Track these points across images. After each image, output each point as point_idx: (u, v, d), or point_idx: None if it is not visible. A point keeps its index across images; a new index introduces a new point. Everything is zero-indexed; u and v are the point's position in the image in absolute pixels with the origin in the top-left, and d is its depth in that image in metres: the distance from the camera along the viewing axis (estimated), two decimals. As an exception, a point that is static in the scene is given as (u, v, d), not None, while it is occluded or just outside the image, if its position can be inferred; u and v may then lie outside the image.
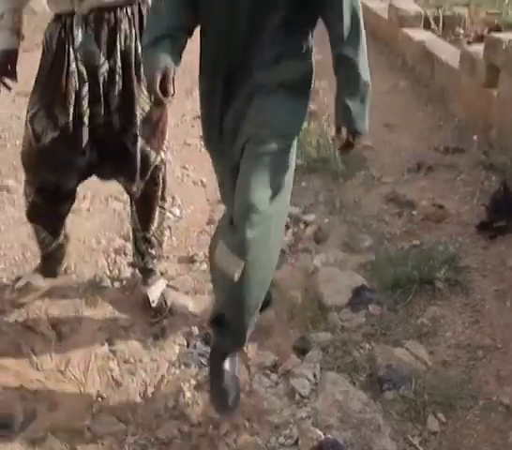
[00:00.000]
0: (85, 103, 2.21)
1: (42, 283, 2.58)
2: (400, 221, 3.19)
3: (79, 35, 2.19)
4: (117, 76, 2.23)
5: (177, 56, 1.80)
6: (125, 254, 2.94)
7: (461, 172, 3.64)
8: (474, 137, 3.97)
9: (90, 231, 3.14)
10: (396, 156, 4.00)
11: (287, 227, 3.26)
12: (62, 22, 2.19)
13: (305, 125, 4.25)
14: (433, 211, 3.18)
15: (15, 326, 2.39)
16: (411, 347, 2.29)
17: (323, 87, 4.57)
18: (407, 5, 6.27)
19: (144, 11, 2.27)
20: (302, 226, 3.28)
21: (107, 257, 2.95)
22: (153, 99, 1.81)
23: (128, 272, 2.78)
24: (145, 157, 2.35)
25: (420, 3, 6.58)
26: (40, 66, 2.25)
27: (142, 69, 2.13)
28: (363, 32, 1.82)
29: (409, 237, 3.03)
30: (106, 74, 2.22)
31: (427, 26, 6.03)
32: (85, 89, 2.20)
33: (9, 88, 2.34)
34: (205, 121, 2.01)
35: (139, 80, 2.25)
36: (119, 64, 2.22)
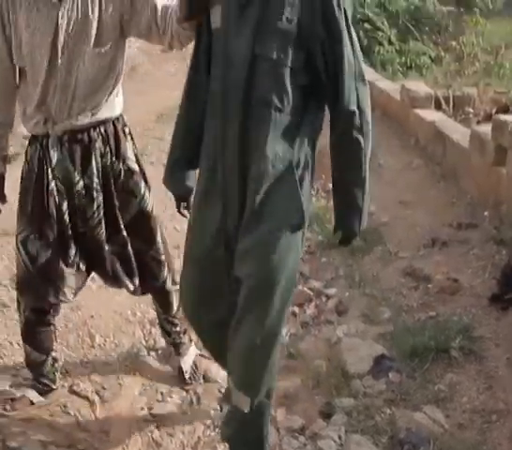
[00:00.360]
0: (67, 218, 2.33)
1: (37, 398, 2.56)
2: (417, 294, 3.40)
3: (54, 155, 2.32)
4: (95, 192, 2.35)
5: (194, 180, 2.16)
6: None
7: (474, 246, 3.86)
8: (486, 213, 4.21)
9: (124, 303, 3.35)
10: (411, 231, 4.24)
11: (310, 300, 3.50)
12: (39, 142, 2.34)
13: (323, 202, 4.57)
14: (448, 284, 3.39)
15: (62, 391, 2.60)
16: (429, 411, 2.46)
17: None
18: (418, 86, 6.65)
19: (119, 127, 2.42)
20: (324, 299, 3.49)
21: (143, 328, 3.17)
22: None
23: (162, 342, 2.99)
24: (140, 255, 2.47)
25: (430, 84, 6.99)
26: (23, 185, 2.38)
27: (121, 180, 2.38)
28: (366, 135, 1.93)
29: (425, 309, 3.23)
30: (82, 191, 2.34)
31: (437, 106, 6.40)
32: (65, 205, 2.33)
33: None
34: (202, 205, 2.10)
35: (122, 190, 2.40)
36: (96, 180, 2.35)
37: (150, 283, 2.55)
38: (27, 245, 2.34)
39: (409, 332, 2.95)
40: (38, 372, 2.56)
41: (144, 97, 7.00)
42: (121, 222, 2.40)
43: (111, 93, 2.36)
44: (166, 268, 2.58)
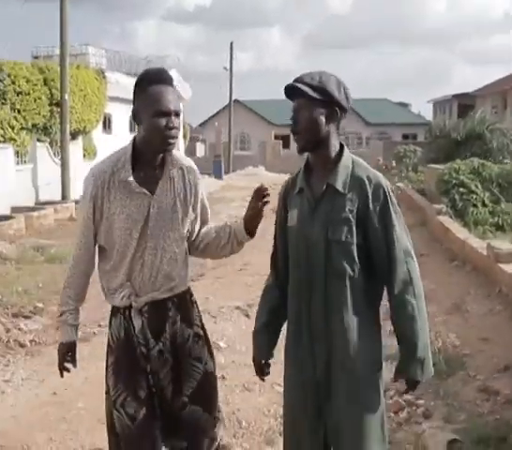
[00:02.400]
0: (151, 379, 2.60)
1: None
2: (488, 404, 4.35)
3: (137, 323, 2.58)
4: (167, 355, 2.60)
5: (274, 345, 2.63)
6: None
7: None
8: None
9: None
10: (488, 361, 5.19)
11: (403, 408, 4.49)
12: (122, 313, 2.62)
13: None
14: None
15: None
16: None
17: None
18: (502, 244, 7.79)
19: (188, 297, 2.73)
20: (414, 408, 4.49)
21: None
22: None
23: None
24: (196, 420, 2.66)
25: (512, 240, 8.11)
26: (115, 354, 2.63)
27: (188, 344, 2.67)
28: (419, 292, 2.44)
29: (493, 414, 4.17)
30: (157, 355, 2.59)
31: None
32: (148, 368, 2.59)
33: (69, 371, 2.69)
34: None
35: (189, 355, 2.66)
36: (168, 345, 2.61)
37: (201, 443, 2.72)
38: (125, 406, 2.57)
39: (477, 428, 3.91)
40: None
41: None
42: (184, 388, 2.64)
43: (186, 269, 2.71)
44: (221, 426, 2.82)
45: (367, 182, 2.39)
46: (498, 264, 7.32)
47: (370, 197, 2.38)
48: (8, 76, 13.56)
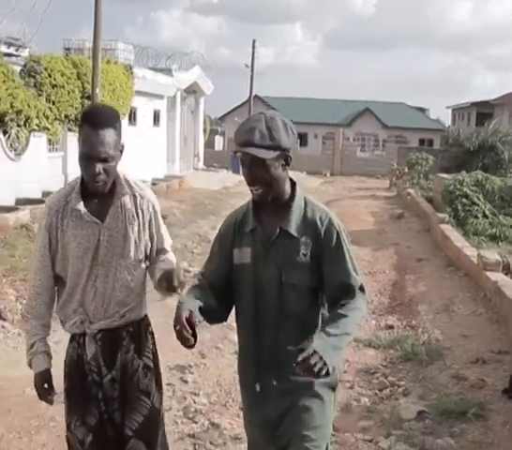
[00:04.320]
0: (102, 406, 2.64)
1: None
2: (457, 387, 5.18)
3: (90, 351, 2.62)
4: (115, 384, 2.64)
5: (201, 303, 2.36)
6: None
7: (504, 363, 5.61)
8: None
9: None
10: (464, 354, 6.03)
11: (386, 387, 5.33)
12: (77, 341, 2.65)
13: (406, 332, 6.48)
14: (478, 382, 5.17)
15: None
16: (447, 441, 4.21)
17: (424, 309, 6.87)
18: (491, 254, 8.60)
19: (143, 327, 2.74)
20: (396, 387, 5.33)
21: None
22: (177, 337, 2.23)
23: None
24: None
25: (503, 251, 8.92)
26: (68, 380, 2.68)
27: (136, 377, 2.66)
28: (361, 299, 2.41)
29: (460, 395, 4.99)
30: (109, 383, 2.63)
31: (505, 269, 8.28)
32: (100, 395, 2.63)
33: (52, 402, 2.66)
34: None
35: (137, 388, 2.67)
36: (118, 375, 2.63)
37: None
38: (77, 430, 2.63)
39: (444, 404, 4.75)
40: None
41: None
42: (128, 421, 2.64)
43: (141, 297, 2.72)
44: None
45: (319, 223, 2.42)
46: (485, 272, 8.13)
47: (323, 238, 2.42)
48: (45, 69, 14.43)
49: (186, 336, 2.23)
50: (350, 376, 5.59)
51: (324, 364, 2.13)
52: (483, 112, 37.22)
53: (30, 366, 2.63)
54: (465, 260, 9.26)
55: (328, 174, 34.39)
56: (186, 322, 2.23)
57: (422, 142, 43.91)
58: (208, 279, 2.55)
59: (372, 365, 5.92)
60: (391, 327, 7.11)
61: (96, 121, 2.46)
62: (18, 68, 14.14)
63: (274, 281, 2.42)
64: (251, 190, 2.42)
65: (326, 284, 2.44)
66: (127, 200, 2.63)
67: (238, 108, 46.16)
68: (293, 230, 2.41)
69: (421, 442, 4.19)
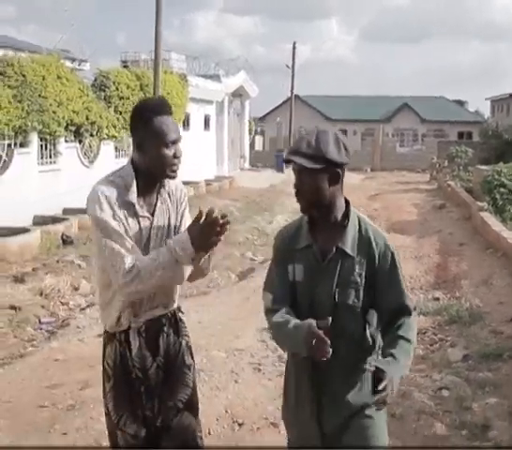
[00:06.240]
0: (144, 399, 2.66)
1: None
2: (495, 338, 6.35)
3: (134, 345, 2.62)
4: (160, 371, 2.66)
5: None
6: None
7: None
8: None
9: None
10: (501, 315, 7.17)
11: (436, 342, 6.54)
12: (118, 339, 2.63)
13: (451, 302, 7.67)
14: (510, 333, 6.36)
15: None
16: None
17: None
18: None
19: (177, 311, 2.77)
20: (444, 341, 6.53)
21: None
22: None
23: None
24: (187, 425, 2.74)
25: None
26: (109, 380, 2.68)
27: (180, 355, 2.71)
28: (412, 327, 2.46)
29: (498, 342, 6.17)
30: (154, 372, 2.66)
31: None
32: (143, 388, 2.66)
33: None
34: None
35: (183, 364, 2.74)
36: (164, 359, 2.67)
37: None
38: (126, 427, 2.68)
39: (484, 349, 5.94)
40: None
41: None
42: (179, 395, 2.73)
43: (181, 285, 2.74)
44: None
45: (374, 244, 2.42)
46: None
47: (378, 259, 2.41)
48: (113, 83, 15.96)
49: (326, 348, 2.21)
50: (405, 336, 6.82)
51: (392, 391, 2.24)
52: (522, 102, 37.60)
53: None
54: (503, 242, 10.37)
55: (369, 170, 35.39)
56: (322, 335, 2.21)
57: (461, 135, 44.52)
58: (280, 298, 2.48)
59: (423, 327, 7.10)
60: (437, 299, 8.30)
61: (164, 109, 2.56)
62: (88, 82, 15.68)
63: (327, 300, 2.40)
64: (297, 201, 2.44)
65: (381, 305, 2.43)
66: (170, 192, 2.70)
67: (278, 107, 47.37)
68: (348, 248, 2.40)
69: (466, 376, 5.40)
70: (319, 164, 2.31)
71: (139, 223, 2.58)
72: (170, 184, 2.69)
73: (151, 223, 2.61)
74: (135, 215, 2.57)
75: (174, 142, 2.54)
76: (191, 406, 2.78)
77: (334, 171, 2.35)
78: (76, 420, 4.27)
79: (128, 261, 2.47)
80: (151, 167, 2.57)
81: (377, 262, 2.41)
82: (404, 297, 2.47)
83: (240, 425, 4.37)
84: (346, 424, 2.45)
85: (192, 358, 2.83)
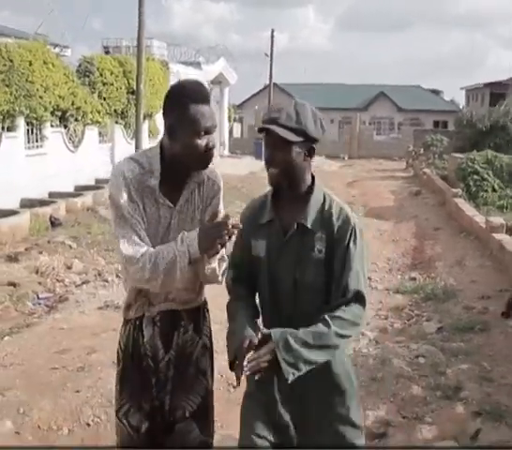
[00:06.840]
0: (154, 392, 2.54)
1: None
2: (467, 314, 6.82)
3: (147, 333, 2.52)
4: (171, 365, 2.53)
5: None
6: None
7: (504, 298, 7.27)
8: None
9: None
10: (474, 293, 7.65)
11: (412, 317, 7.00)
12: (132, 324, 2.54)
13: (426, 281, 8.15)
14: (481, 310, 6.82)
15: None
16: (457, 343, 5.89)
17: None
18: (496, 219, 10.23)
19: (201, 308, 2.63)
20: (420, 317, 6.99)
21: None
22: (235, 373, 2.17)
23: None
24: (188, 436, 2.56)
25: (507, 217, 10.57)
26: (122, 365, 2.57)
27: (195, 355, 2.56)
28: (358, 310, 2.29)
29: (468, 318, 6.64)
30: (165, 366, 2.54)
31: (509, 231, 9.91)
32: (153, 380, 2.53)
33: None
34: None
35: (196, 367, 2.58)
36: (177, 355, 2.54)
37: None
38: (128, 417, 2.54)
39: (457, 323, 6.41)
40: None
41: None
42: (186, 401, 2.57)
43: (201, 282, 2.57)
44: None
45: (334, 218, 2.34)
46: (491, 234, 9.77)
47: (336, 233, 2.33)
48: (97, 69, 16.16)
49: (238, 373, 2.20)
50: (383, 311, 7.27)
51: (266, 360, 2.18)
52: (496, 92, 38.09)
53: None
54: (475, 226, 10.89)
55: (346, 158, 35.88)
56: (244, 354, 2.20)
57: (436, 123, 45.09)
58: (240, 275, 2.51)
59: (401, 304, 7.61)
60: (414, 279, 8.80)
61: (203, 96, 2.37)
62: (72, 68, 15.86)
63: (287, 277, 2.37)
64: (268, 172, 2.38)
65: (331, 285, 2.35)
66: (200, 183, 2.55)
67: (256, 95, 47.56)
68: (309, 223, 2.34)
69: (440, 345, 5.86)
70: (299, 137, 2.29)
71: (158, 210, 2.46)
72: (201, 174, 2.53)
73: (171, 213, 2.48)
74: (155, 201, 2.44)
75: (208, 132, 2.37)
76: (200, 415, 2.61)
77: (310, 145, 2.35)
78: (86, 380, 4.62)
79: (133, 246, 2.38)
80: (180, 156, 2.40)
81: (334, 236, 2.34)
82: (350, 278, 2.31)
83: (235, 387, 4.74)
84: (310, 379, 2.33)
85: (212, 363, 2.69)
